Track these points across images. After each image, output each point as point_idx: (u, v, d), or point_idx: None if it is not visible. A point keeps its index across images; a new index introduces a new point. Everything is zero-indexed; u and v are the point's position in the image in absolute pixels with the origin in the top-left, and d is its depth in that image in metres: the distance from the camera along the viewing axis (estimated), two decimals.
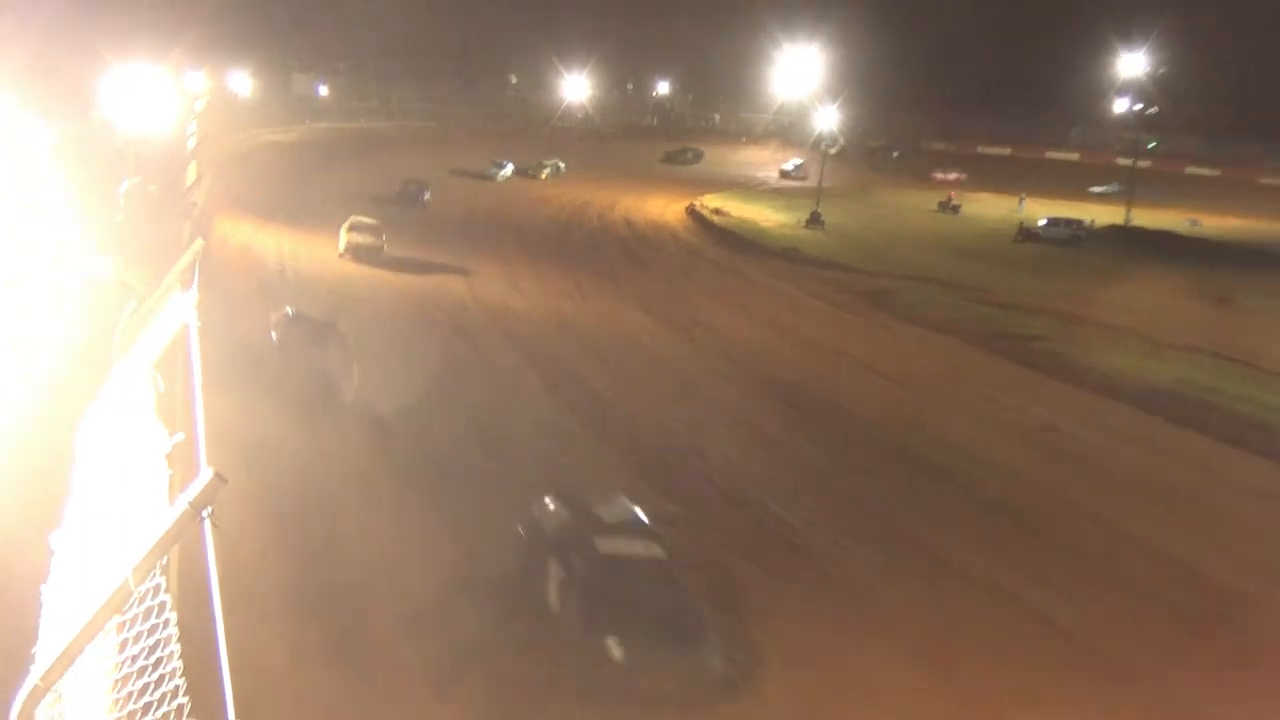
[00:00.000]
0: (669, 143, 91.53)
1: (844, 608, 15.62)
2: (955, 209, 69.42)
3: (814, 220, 58.34)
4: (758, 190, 72.81)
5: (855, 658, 14.03)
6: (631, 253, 47.79)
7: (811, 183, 72.41)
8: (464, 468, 18.66)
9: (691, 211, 60.35)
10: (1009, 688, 13.76)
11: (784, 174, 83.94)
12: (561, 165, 74.24)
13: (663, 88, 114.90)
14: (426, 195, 52.58)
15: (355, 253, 36.94)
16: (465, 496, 17.24)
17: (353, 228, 37.77)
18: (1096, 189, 79.91)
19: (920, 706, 13.08)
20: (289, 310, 24.01)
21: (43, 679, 3.35)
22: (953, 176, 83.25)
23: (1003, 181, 78.28)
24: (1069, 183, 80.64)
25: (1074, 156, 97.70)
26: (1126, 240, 59.66)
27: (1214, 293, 43.79)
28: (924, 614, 15.57)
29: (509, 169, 69.02)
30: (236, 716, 2.94)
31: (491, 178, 66.91)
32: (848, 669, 13.69)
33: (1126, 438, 25.31)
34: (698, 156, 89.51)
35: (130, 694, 3.39)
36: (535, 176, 70.27)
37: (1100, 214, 63.98)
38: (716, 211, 60.03)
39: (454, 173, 64.55)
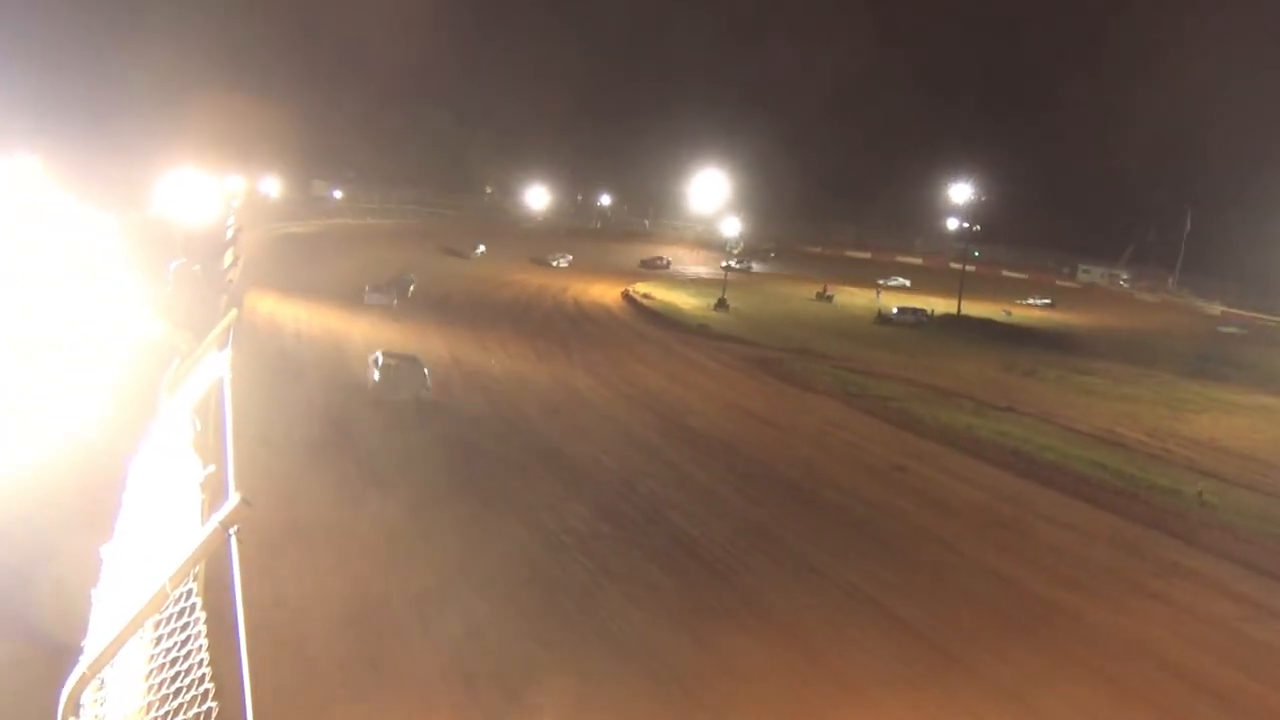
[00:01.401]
0: (610, 241, 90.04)
1: (742, 608, 15.52)
2: (829, 298, 70.35)
3: (721, 304, 58.76)
4: (679, 280, 73.24)
5: (751, 647, 13.94)
6: (578, 327, 47.69)
7: (707, 274, 73.79)
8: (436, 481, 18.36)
9: (626, 296, 60.50)
10: (869, 672, 13.73)
11: (644, 263, 79.21)
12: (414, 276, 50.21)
13: (604, 198, 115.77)
14: (410, 289, 46.49)
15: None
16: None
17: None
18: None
19: (799, 686, 13.01)
20: (380, 354, 28.23)
21: (89, 668, 3.20)
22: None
23: (865, 278, 79.96)
24: (914, 280, 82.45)
25: (918, 261, 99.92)
26: (957, 325, 60.98)
27: (1022, 366, 44.91)
28: (804, 613, 15.54)
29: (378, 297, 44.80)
30: (251, 700, 2.81)
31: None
32: (745, 656, 13.58)
33: (959, 476, 25.52)
34: (568, 249, 77.90)
35: (163, 680, 3.23)
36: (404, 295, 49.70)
37: (937, 304, 65.48)
38: (646, 296, 60.21)
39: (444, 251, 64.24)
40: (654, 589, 15.70)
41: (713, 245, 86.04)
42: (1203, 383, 44.70)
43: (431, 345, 35.20)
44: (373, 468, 20.08)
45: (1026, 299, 76.73)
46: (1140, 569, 19.30)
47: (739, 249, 74.99)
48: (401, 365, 27.55)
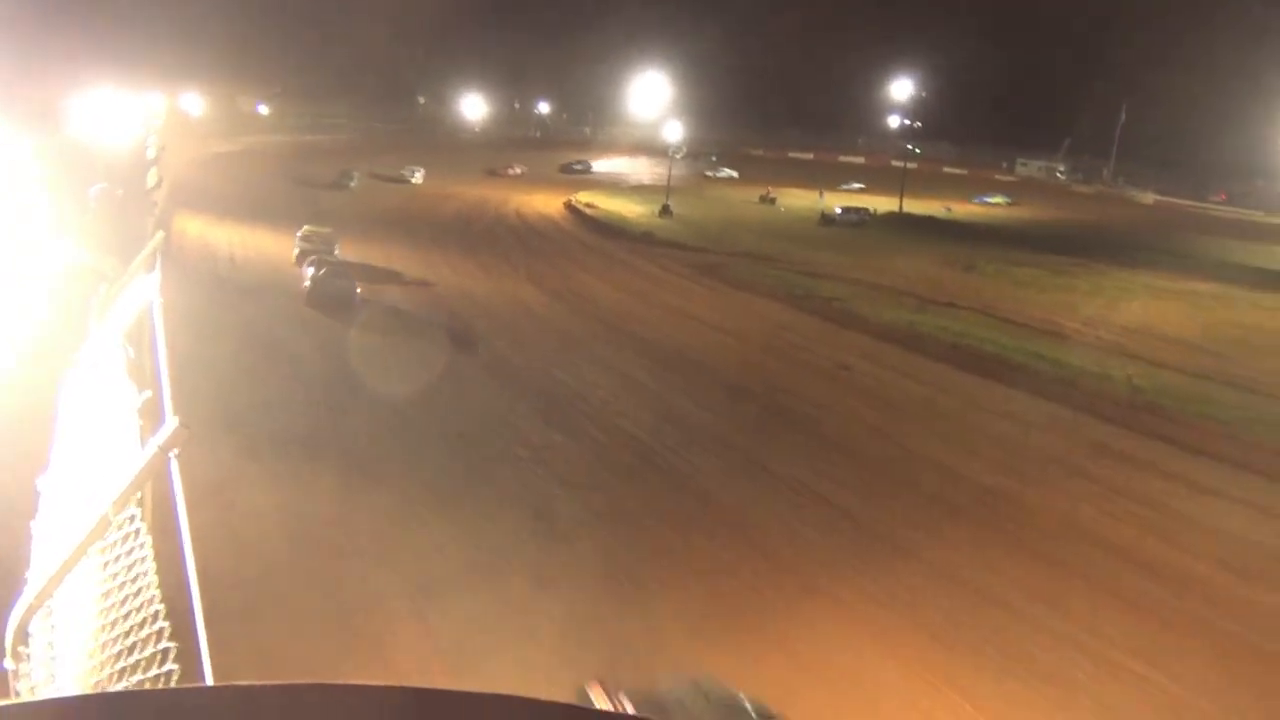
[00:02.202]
0: (551, 151, 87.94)
1: (695, 509, 15.91)
2: (772, 201, 70.08)
3: (665, 211, 58.31)
4: (621, 188, 72.27)
5: (706, 545, 14.38)
6: (522, 239, 47.07)
7: (644, 179, 73.11)
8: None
9: (569, 206, 59.74)
10: (821, 565, 14.25)
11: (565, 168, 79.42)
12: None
13: (543, 106, 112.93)
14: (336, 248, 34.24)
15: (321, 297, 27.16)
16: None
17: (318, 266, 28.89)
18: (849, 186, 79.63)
19: (755, 580, 13.49)
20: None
21: (36, 596, 3.18)
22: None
23: (808, 179, 79.75)
24: (842, 179, 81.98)
25: (860, 160, 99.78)
26: (899, 224, 61.43)
27: (962, 262, 45.57)
28: (756, 511, 15.98)
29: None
30: (203, 618, 2.82)
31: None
32: (700, 555, 14.01)
33: (902, 372, 26.09)
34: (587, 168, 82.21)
35: (113, 604, 3.22)
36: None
37: (880, 204, 65.70)
38: (589, 206, 59.47)
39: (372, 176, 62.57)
40: (609, 495, 15.98)
41: (655, 150, 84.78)
42: (1136, 270, 45.90)
43: (372, 264, 34.51)
44: (329, 394, 19.88)
45: (841, 185, 76.44)
46: (1074, 452, 20.10)
47: (682, 154, 74.14)
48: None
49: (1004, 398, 24.00)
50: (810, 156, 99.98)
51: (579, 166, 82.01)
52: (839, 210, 62.50)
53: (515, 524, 14.23)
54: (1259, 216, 72.30)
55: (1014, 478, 18.36)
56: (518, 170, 75.67)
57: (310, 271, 28.52)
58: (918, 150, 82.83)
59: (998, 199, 77.05)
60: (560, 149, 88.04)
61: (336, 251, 32.94)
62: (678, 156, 71.87)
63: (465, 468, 16.32)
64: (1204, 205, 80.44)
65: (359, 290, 28.23)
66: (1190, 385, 25.40)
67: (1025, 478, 18.38)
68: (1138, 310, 36.48)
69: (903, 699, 11.07)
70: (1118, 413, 22.69)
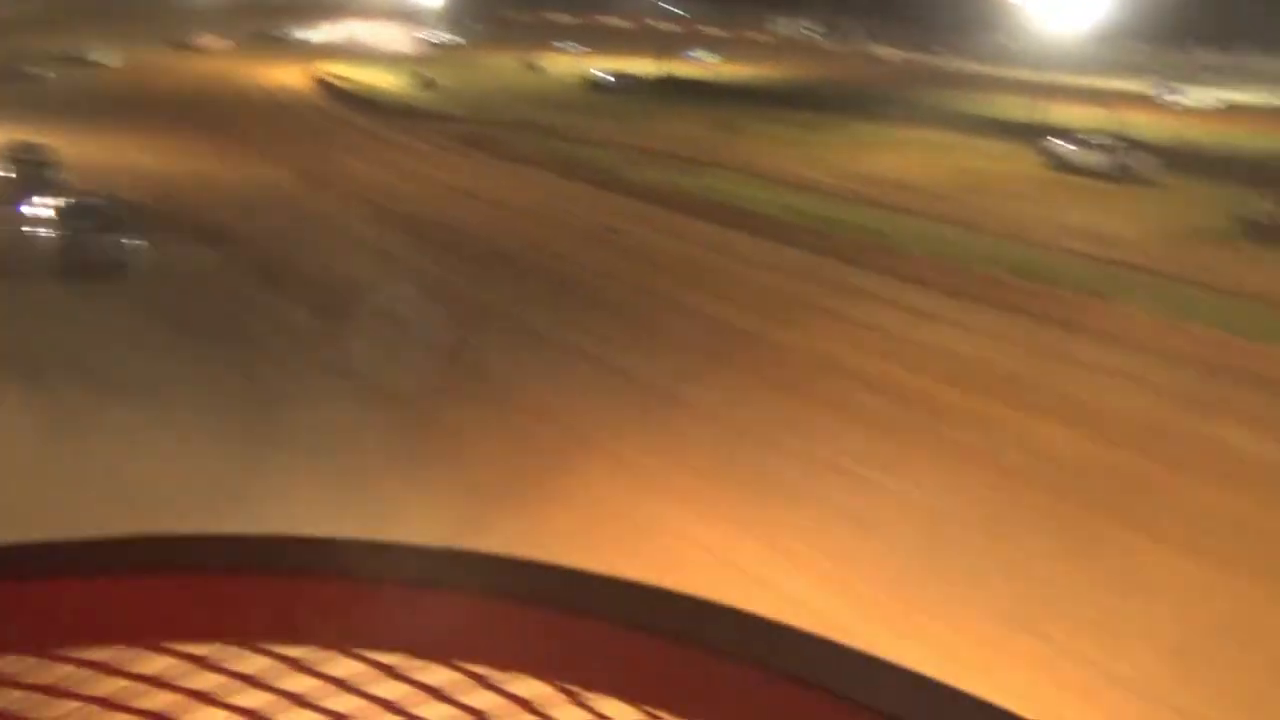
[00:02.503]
0: (277, 17, 78.23)
1: (468, 380, 16.01)
2: (539, 68, 68.39)
3: (426, 82, 55.65)
4: (375, 58, 67.59)
5: (482, 415, 14.59)
6: (268, 117, 43.45)
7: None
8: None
9: (318, 80, 55.52)
10: (598, 424, 14.82)
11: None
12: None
13: None
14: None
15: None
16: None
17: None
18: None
19: (534, 444, 13.90)
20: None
21: None
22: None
23: (574, 43, 77.94)
24: (605, 42, 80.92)
25: (626, 24, 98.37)
26: (668, 87, 61.76)
27: (724, 123, 46.78)
28: (529, 377, 16.31)
29: None
30: None
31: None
32: (476, 426, 14.21)
33: (667, 232, 26.76)
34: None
35: None
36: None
37: (642, 67, 65.56)
38: (341, 79, 55.56)
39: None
40: (378, 378, 15.69)
41: (409, 15, 79.69)
42: (879, 124, 48.94)
43: (86, 151, 30.68)
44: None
45: (555, 44, 76.90)
46: (822, 294, 21.70)
47: (438, 18, 70.33)
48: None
49: (762, 250, 25.29)
50: (570, 19, 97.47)
51: (277, 34, 72.98)
52: (610, 76, 61.87)
53: (276, 422, 13.77)
54: (976, 66, 78.33)
55: (770, 322, 19.65)
56: (216, 42, 67.59)
57: (41, 217, 20.33)
58: (680, 12, 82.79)
59: (703, 54, 78.55)
60: (295, 13, 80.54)
61: (64, 177, 25.28)
62: (434, 21, 68.21)
63: (225, 363, 15.48)
64: (935, 57, 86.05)
65: (138, 244, 19.95)
66: (925, 227, 27.85)
67: (780, 320, 19.70)
68: (881, 160, 39.13)
69: (676, 533, 11.93)
70: (860, 256, 24.60)
